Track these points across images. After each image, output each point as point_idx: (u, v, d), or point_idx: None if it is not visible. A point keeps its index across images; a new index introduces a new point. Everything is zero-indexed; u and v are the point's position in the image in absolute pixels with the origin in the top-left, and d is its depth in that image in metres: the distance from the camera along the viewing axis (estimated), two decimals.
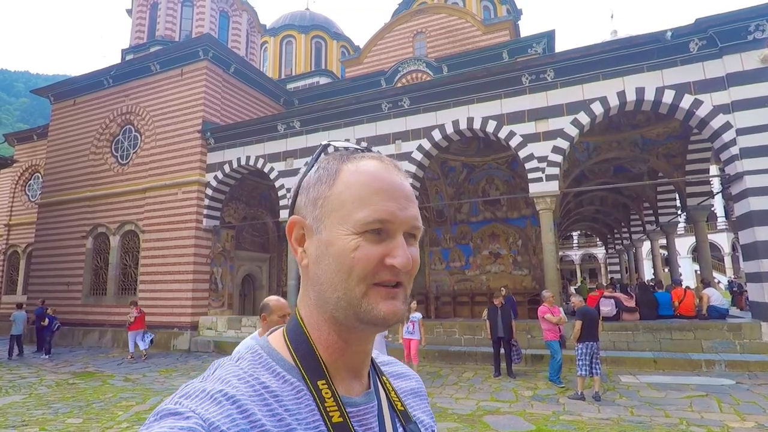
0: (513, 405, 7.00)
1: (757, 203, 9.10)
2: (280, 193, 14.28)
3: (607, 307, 10.47)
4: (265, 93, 18.72)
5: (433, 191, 16.59)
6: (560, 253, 43.44)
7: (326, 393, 0.59)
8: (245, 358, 0.61)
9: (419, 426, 0.69)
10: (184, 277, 14.54)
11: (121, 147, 17.12)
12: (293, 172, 14.11)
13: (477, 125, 11.81)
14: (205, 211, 15.11)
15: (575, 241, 46.14)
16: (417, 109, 12.61)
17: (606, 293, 11.04)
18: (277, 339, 0.65)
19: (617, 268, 29.05)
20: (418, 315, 9.69)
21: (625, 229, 23.68)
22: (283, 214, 14.20)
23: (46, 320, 13.56)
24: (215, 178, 15.23)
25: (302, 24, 26.48)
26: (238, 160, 15.01)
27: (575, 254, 46.08)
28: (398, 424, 0.66)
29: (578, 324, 7.32)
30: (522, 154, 11.29)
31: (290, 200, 0.68)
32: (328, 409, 0.58)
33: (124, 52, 19.19)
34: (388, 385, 0.71)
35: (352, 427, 0.59)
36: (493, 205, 16.22)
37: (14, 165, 20.06)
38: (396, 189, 0.62)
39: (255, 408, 0.54)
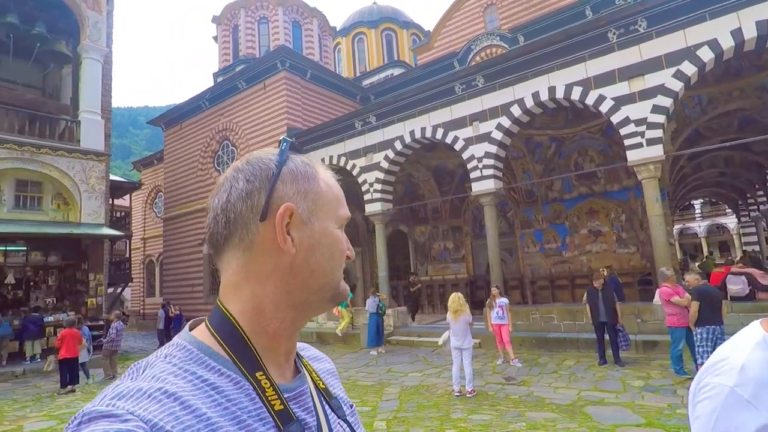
0: (620, 396, 6.37)
1: None
2: (364, 188, 14.60)
3: (737, 286, 9.05)
4: (342, 93, 19.25)
5: (519, 170, 15.73)
6: (680, 226, 38.60)
7: (265, 383, 0.60)
8: (175, 355, 0.59)
9: (339, 401, 0.74)
10: None
11: (221, 161, 18.86)
12: (374, 167, 14.33)
13: (560, 94, 10.89)
14: None
15: (698, 211, 40.42)
16: (492, 87, 12.00)
17: (734, 269, 9.53)
18: (204, 334, 0.63)
19: (754, 239, 25.02)
20: (505, 300, 9.30)
21: (761, 192, 20.26)
22: (369, 207, 14.51)
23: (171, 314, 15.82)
24: None
25: (371, 19, 26.68)
26: (322, 160, 15.64)
27: (699, 226, 40.40)
28: (323, 401, 0.70)
29: (694, 306, 6.42)
30: (615, 119, 10.16)
31: (246, 186, 0.63)
32: (269, 398, 0.59)
33: (215, 75, 21.06)
34: (308, 366, 0.74)
35: (292, 411, 0.61)
36: (589, 179, 14.88)
37: (142, 187, 23.19)
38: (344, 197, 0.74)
39: (198, 402, 0.53)
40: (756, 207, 22.21)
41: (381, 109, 14.27)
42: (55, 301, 14.02)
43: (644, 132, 9.75)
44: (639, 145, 9.82)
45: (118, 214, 20.55)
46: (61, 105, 15.26)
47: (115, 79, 15.85)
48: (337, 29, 25.53)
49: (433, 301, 17.18)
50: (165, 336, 15.99)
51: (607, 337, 8.35)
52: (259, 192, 0.63)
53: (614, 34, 10.16)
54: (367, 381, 8.51)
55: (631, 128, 9.92)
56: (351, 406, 0.77)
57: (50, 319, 12.85)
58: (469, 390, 6.88)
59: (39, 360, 11.90)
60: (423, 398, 6.98)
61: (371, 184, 14.40)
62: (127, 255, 20.07)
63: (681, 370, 7.08)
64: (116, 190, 17.77)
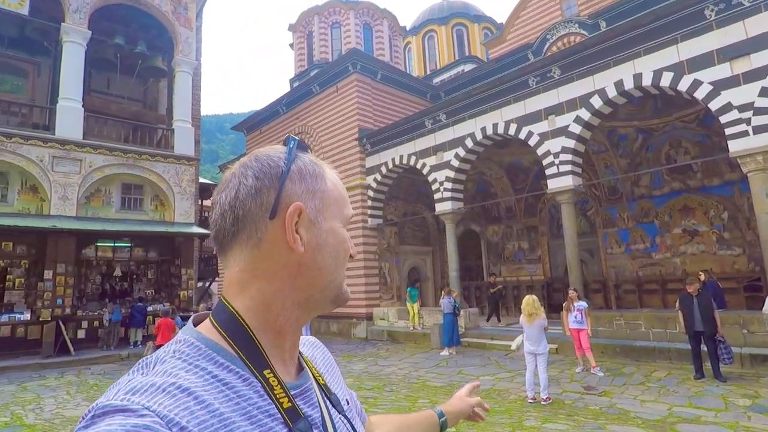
0: (720, 414, 5.72)
1: None
2: (434, 187, 14.50)
3: None
4: (412, 92, 19.26)
5: (601, 165, 14.69)
6: None
7: (273, 381, 0.60)
8: (184, 351, 0.59)
9: (337, 396, 0.75)
10: (356, 272, 15.96)
11: None
12: (444, 165, 14.17)
13: (647, 81, 9.99)
14: (369, 212, 16.32)
15: None
16: (570, 77, 11.33)
17: None
18: (210, 330, 0.63)
19: None
20: (583, 303, 8.76)
21: None
22: (439, 207, 14.39)
23: None
24: (374, 179, 16.31)
25: (441, 15, 26.37)
26: (393, 160, 15.78)
27: None
28: (324, 396, 0.71)
29: None
30: (714, 105, 9.12)
31: (255, 183, 0.63)
32: (277, 396, 0.60)
33: (291, 80, 22.09)
34: (308, 363, 0.74)
35: (299, 408, 0.61)
36: (683, 173, 13.49)
37: None
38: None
39: (211, 398, 0.53)
40: None
41: (451, 107, 14.07)
42: (153, 293, 15.55)
43: (750, 119, 8.65)
44: (744, 134, 8.73)
45: (206, 214, 22.34)
46: (158, 115, 16.89)
47: (202, 88, 17.20)
48: (407, 29, 25.58)
49: (506, 303, 16.63)
50: None
51: (704, 348, 7.53)
52: (269, 190, 0.63)
53: (712, 10, 9.11)
54: (437, 382, 8.45)
55: (733, 115, 8.85)
56: (348, 402, 0.77)
57: (149, 309, 14.26)
58: (544, 397, 6.57)
59: (140, 345, 13.22)
60: (494, 403, 6.77)
61: (441, 183, 14.26)
62: (215, 252, 21.64)
63: None
64: (204, 191, 19.34)
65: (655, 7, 10.06)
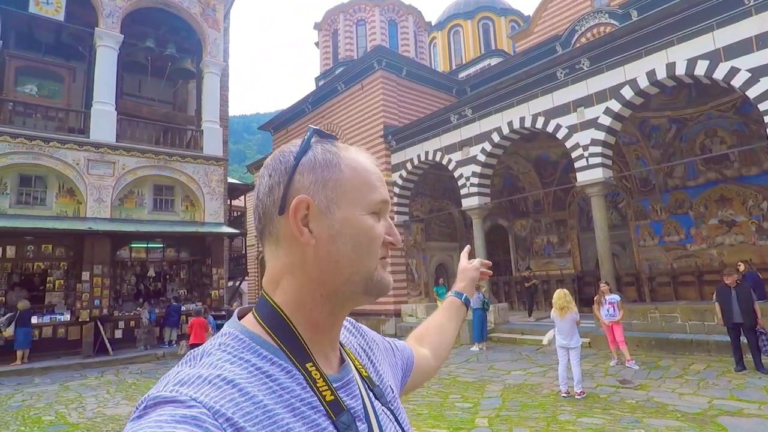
0: (763, 407, 5.64)
1: None
2: (460, 182, 14.51)
3: None
4: (437, 87, 19.25)
5: (632, 157, 14.41)
6: None
7: (315, 374, 0.61)
8: (229, 344, 0.61)
9: (381, 389, 0.74)
10: None
11: None
12: (470, 160, 14.16)
13: (681, 70, 9.77)
14: (395, 208, 16.44)
15: None
16: (599, 69, 11.16)
17: None
18: (252, 324, 0.65)
19: None
20: (616, 296, 8.68)
21: None
22: (466, 202, 14.40)
23: None
24: (400, 176, 16.42)
25: (467, 10, 26.18)
26: (418, 156, 15.85)
27: None
28: (367, 388, 0.71)
29: None
30: (752, 93, 8.85)
31: (268, 181, 0.66)
32: (320, 388, 0.61)
33: (317, 79, 22.36)
34: (351, 355, 0.75)
35: (342, 401, 0.62)
36: (719, 163, 13.11)
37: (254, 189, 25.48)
38: (383, 179, 0.71)
39: (255, 389, 0.54)
40: None
41: (477, 101, 14.03)
42: (186, 293, 15.85)
43: None
44: None
45: (235, 214, 22.82)
46: (187, 116, 17.30)
47: (230, 89, 17.59)
48: (432, 24, 25.52)
49: (537, 298, 16.53)
50: None
51: (744, 340, 7.39)
52: (279, 186, 0.64)
53: None
54: (468, 377, 8.52)
55: None
56: (392, 391, 0.77)
57: (182, 308, 14.47)
58: (578, 391, 6.56)
59: (175, 345, 13.45)
60: (527, 397, 6.81)
61: (467, 178, 14.25)
62: (243, 251, 22.17)
63: None
64: (233, 191, 19.76)
65: None
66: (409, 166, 16.16)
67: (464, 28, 26.05)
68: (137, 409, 0.50)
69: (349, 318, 0.82)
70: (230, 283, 18.95)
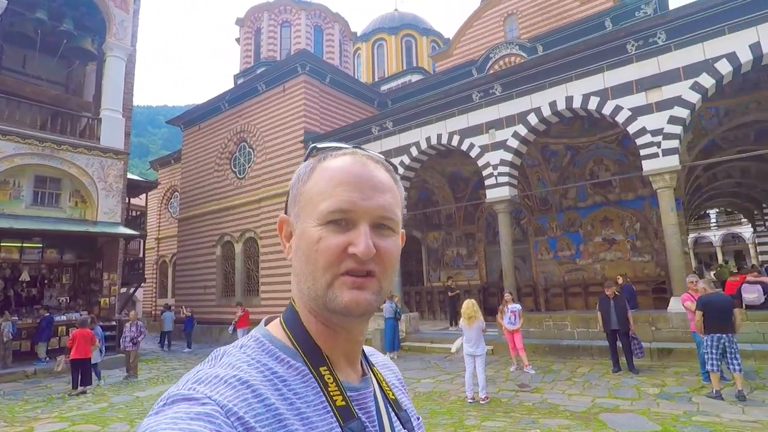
0: (635, 403, 6.43)
1: None
2: None
3: (752, 294, 9.04)
4: (360, 98, 19.49)
5: (534, 178, 15.78)
6: (694, 235, 38.19)
7: (329, 378, 0.62)
8: (249, 346, 0.62)
9: (408, 414, 0.73)
10: None
11: (238, 163, 19.17)
12: None
13: (577, 104, 10.98)
14: None
15: (713, 221, 39.98)
16: (510, 95, 12.12)
17: (750, 278, 9.53)
18: (276, 328, 0.67)
19: None
20: (517, 306, 9.38)
21: None
22: None
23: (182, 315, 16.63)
24: None
25: (391, 25, 26.98)
26: None
27: (714, 235, 39.93)
28: (391, 411, 0.70)
29: (698, 315, 6.51)
30: (632, 129, 10.23)
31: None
32: (331, 393, 0.61)
33: (236, 77, 21.44)
34: (379, 375, 0.74)
35: (354, 409, 0.62)
36: (604, 188, 14.90)
37: (158, 186, 23.58)
38: (363, 180, 0.63)
39: (268, 392, 0.56)
40: None
41: (398, 115, 14.45)
42: (68, 300, 14.01)
43: (660, 142, 9.80)
44: (655, 155, 9.87)
45: (134, 213, 20.91)
46: (83, 102, 15.43)
47: (136, 77, 16.13)
48: (358, 35, 25.85)
49: (445, 307, 17.25)
50: (169, 338, 16.64)
51: (620, 344, 8.40)
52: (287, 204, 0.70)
53: (633, 45, 10.24)
54: None
55: (647, 138, 9.98)
56: (418, 419, 0.77)
57: (63, 318, 12.70)
58: (483, 397, 6.93)
59: (48, 360, 11.69)
60: (436, 404, 7.07)
61: None
62: (141, 255, 20.39)
63: (706, 375, 7.03)
64: (133, 188, 18.08)
65: (587, 37, 11.10)
66: None
67: (388, 42, 26.80)
68: (156, 405, 0.52)
69: (386, 357, 0.85)
70: (123, 290, 17.21)
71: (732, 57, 9.14)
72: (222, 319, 18.17)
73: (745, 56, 9.00)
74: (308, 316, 0.66)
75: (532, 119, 11.68)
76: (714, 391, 6.32)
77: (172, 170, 26.97)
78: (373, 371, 0.74)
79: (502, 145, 12.13)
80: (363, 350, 0.75)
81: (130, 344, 10.56)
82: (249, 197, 18.05)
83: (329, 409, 0.59)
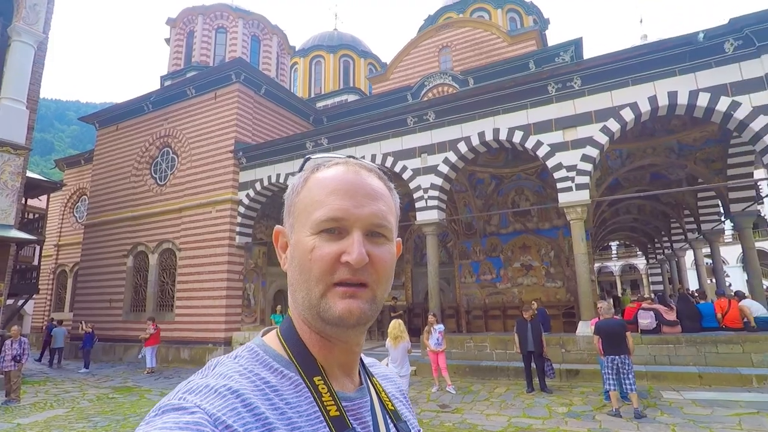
0: (546, 422, 6.77)
1: None
2: None
3: (646, 320, 10.01)
4: (295, 112, 19.26)
5: (461, 204, 16.47)
6: (599, 264, 41.93)
7: (323, 388, 0.62)
8: (243, 356, 0.63)
9: (408, 425, 0.72)
10: (217, 293, 14.94)
11: (159, 169, 17.95)
12: None
13: (503, 136, 11.72)
14: (237, 229, 15.56)
15: (614, 252, 44.41)
16: (442, 122, 12.65)
17: (645, 305, 10.57)
18: (272, 338, 0.67)
19: (659, 278, 27.77)
20: (442, 326, 9.59)
21: (666, 238, 22.69)
22: None
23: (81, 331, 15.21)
24: (247, 196, 15.70)
25: (330, 44, 27.20)
26: (269, 177, 15.43)
27: (614, 265, 44.30)
28: (390, 422, 0.69)
29: (595, 338, 7.10)
30: (550, 163, 11.10)
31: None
32: (325, 403, 0.60)
33: (163, 78, 20.24)
34: (378, 386, 0.74)
35: (349, 420, 0.61)
36: (524, 216, 15.93)
37: (63, 188, 21.33)
38: (354, 188, 0.64)
39: (258, 402, 0.55)
40: (662, 251, 24.79)
41: (334, 133, 14.46)
42: None
43: (574, 177, 10.72)
44: (569, 189, 10.76)
45: (31, 216, 18.71)
46: None
47: (46, 67, 14.63)
48: (296, 49, 25.70)
49: (370, 328, 17.19)
50: (59, 355, 15.47)
51: (534, 366, 8.86)
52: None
53: (553, 87, 11.20)
54: None
55: (563, 173, 10.87)
56: (419, 431, 0.76)
57: None
58: None
59: None
60: None
61: None
62: (36, 263, 18.20)
63: (607, 394, 7.54)
64: (32, 188, 16.23)
65: (513, 76, 11.95)
66: (258, 186, 15.58)
67: (326, 60, 26.95)
68: (147, 416, 0.52)
69: (389, 369, 0.85)
70: (10, 301, 15.13)
71: (634, 106, 10.31)
72: (128, 336, 16.61)
73: (644, 107, 10.21)
74: (303, 326, 0.66)
75: (462, 147, 12.25)
76: (614, 410, 6.84)
77: (81, 171, 24.60)
78: (372, 382, 0.73)
79: (433, 169, 12.55)
80: (362, 360, 0.75)
81: (11, 364, 9.30)
82: (170, 206, 16.91)
83: (322, 419, 0.59)
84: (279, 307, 14.73)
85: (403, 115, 13.22)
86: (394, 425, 0.69)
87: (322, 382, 0.62)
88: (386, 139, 13.46)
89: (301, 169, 0.71)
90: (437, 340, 9.30)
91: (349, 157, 0.70)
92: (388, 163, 13.27)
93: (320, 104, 24.30)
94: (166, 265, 16.93)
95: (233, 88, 16.36)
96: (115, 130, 19.50)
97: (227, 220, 15.43)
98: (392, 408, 0.72)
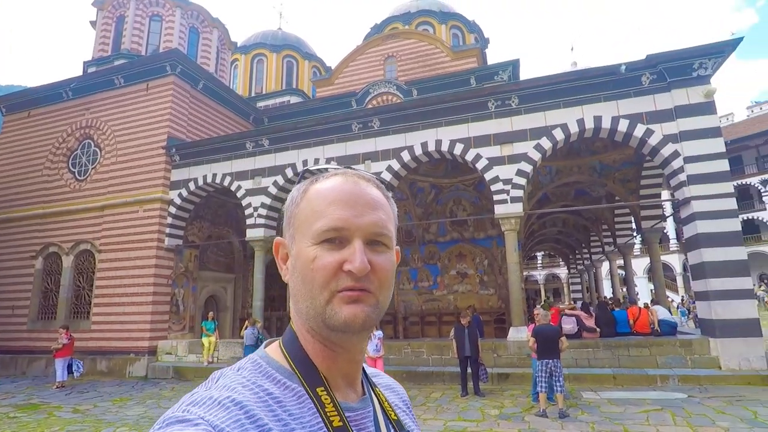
0: (480, 424, 7.02)
1: (703, 226, 9.69)
2: (247, 211, 14.06)
3: (568, 325, 10.77)
4: (234, 110, 18.57)
5: (402, 211, 16.73)
6: (526, 273, 44.43)
7: (326, 399, 0.62)
8: (246, 368, 0.63)
9: None
10: (143, 299, 13.92)
11: (79, 162, 16.46)
12: (261, 191, 13.95)
13: (445, 147, 12.10)
14: (167, 230, 14.65)
15: (539, 262, 47.38)
16: (387, 131, 12.81)
17: (567, 311, 11.36)
18: (274, 350, 0.68)
19: (579, 287, 29.97)
20: (381, 332, 9.67)
21: (586, 250, 24.56)
22: (251, 233, 13.97)
23: None
24: (179, 195, 14.85)
25: (274, 43, 26.57)
26: (204, 177, 14.72)
27: (539, 274, 47.26)
28: (392, 429, 0.70)
29: (531, 341, 7.53)
30: (488, 176, 11.63)
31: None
32: (328, 413, 0.61)
33: (86, 64, 18.64)
34: (381, 396, 0.74)
35: (352, 430, 0.62)
36: (461, 226, 16.51)
37: None
38: (354, 198, 0.65)
39: (261, 413, 0.56)
40: (582, 261, 26.80)
41: (277, 134, 14.12)
42: None
43: (509, 190, 11.32)
44: (505, 201, 11.34)
45: None
46: None
47: None
48: (238, 45, 24.80)
49: None
50: None
51: (469, 370, 9.17)
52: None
53: (493, 104, 11.78)
54: None
55: (499, 186, 11.44)
56: None
57: None
58: None
59: None
60: None
61: (256, 209, 13.95)
62: None
63: (535, 397, 7.97)
64: None
65: (455, 90, 12.42)
66: (191, 185, 14.80)
67: (269, 59, 26.28)
68: (152, 429, 0.52)
69: (391, 379, 0.87)
70: None
71: (564, 127, 11.12)
72: (34, 347, 14.94)
73: (574, 128, 11.04)
74: (306, 336, 0.67)
75: (406, 156, 12.48)
76: (541, 411, 7.26)
77: None
78: (375, 392, 0.74)
79: (376, 177, 12.62)
80: (364, 370, 0.76)
81: None
82: (90, 203, 15.53)
83: (326, 430, 0.59)
84: (211, 314, 14.00)
85: (348, 121, 13.23)
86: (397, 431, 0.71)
87: (325, 392, 0.63)
88: (330, 143, 13.38)
89: (299, 181, 0.72)
90: (376, 346, 9.34)
91: (347, 167, 0.72)
92: (314, 168, 13.15)
93: (261, 104, 23.65)
94: (83, 268, 15.51)
95: (168, 81, 15.45)
96: (26, 117, 17.61)
97: (156, 221, 14.47)
98: (395, 418, 0.72)
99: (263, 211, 13.86)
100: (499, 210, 11.42)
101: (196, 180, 14.78)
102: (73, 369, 12.24)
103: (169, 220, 14.74)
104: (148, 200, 14.69)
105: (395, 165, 12.57)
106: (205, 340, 13.00)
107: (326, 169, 0.72)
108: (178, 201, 14.82)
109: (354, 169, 0.72)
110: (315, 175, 0.71)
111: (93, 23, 19.73)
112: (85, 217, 15.52)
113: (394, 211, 0.73)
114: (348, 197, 0.65)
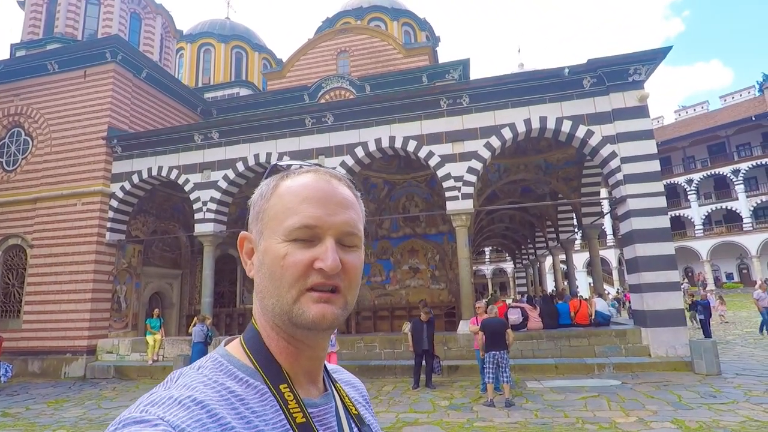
0: (431, 415, 7.24)
1: (637, 223, 10.45)
2: (196, 206, 13.58)
3: (514, 316, 11.28)
4: (181, 101, 17.81)
5: None
6: (474, 268, 45.85)
7: (288, 396, 0.62)
8: (206, 366, 0.62)
9: (370, 428, 0.75)
10: (81, 296, 13.13)
11: (7, 152, 15.20)
12: (210, 185, 13.51)
13: (398, 144, 12.25)
14: (108, 224, 13.88)
15: (487, 257, 49.05)
16: (340, 126, 12.78)
17: (512, 303, 11.91)
18: (235, 348, 0.67)
19: (524, 281, 31.32)
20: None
21: (531, 245, 25.71)
22: (199, 228, 13.51)
23: None
24: (121, 188, 14.09)
25: (222, 33, 25.60)
26: (149, 170, 14.04)
27: (487, 269, 48.92)
28: (354, 426, 0.71)
29: (480, 334, 7.85)
30: (440, 173, 11.90)
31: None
32: (291, 410, 0.61)
33: (14, 47, 17.16)
34: (342, 391, 0.76)
35: (315, 426, 0.62)
36: (413, 222, 16.78)
37: None
38: (326, 196, 0.65)
39: (224, 411, 0.55)
40: (527, 256, 28.02)
41: (226, 127, 13.70)
42: None
43: (461, 187, 11.66)
44: (456, 198, 11.67)
45: None
46: None
47: None
48: (183, 33, 23.67)
49: None
50: None
51: (424, 363, 9.40)
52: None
53: (445, 102, 12.05)
54: None
55: (451, 183, 11.74)
56: None
57: None
58: None
59: None
60: None
61: (205, 203, 13.49)
62: None
63: (484, 387, 8.28)
64: None
65: (408, 87, 12.58)
66: (135, 178, 14.08)
67: (217, 49, 25.32)
68: (110, 428, 0.50)
69: (351, 374, 0.88)
70: None
71: (512, 126, 11.58)
72: None
73: (521, 127, 11.52)
74: (270, 333, 0.66)
75: (359, 152, 12.52)
76: (489, 400, 7.58)
77: None
78: (336, 387, 0.75)
79: None
80: (325, 367, 0.76)
81: None
82: (20, 195, 14.40)
83: (289, 426, 0.60)
84: (156, 311, 13.41)
85: (301, 115, 13.06)
86: (359, 429, 0.72)
87: (288, 389, 0.63)
88: (283, 138, 13.16)
89: (267, 176, 0.71)
90: (331, 341, 9.35)
91: (318, 165, 0.72)
92: (284, 162, 12.95)
93: (209, 95, 22.78)
94: (13, 264, 14.39)
95: (108, 68, 14.56)
96: None
97: (96, 215, 13.65)
98: (356, 412, 0.74)
99: (213, 206, 13.44)
100: (450, 206, 11.72)
101: (140, 173, 14.07)
102: (0, 374, 11.37)
103: (111, 214, 13.96)
104: (87, 193, 13.84)
105: (349, 161, 12.57)
106: (149, 338, 12.48)
107: (300, 165, 0.70)
108: (120, 194, 14.06)
109: (323, 166, 0.72)
110: (285, 170, 0.70)
111: (21, 3, 18.18)
112: (14, 209, 14.39)
113: (362, 210, 0.72)
114: (321, 195, 0.65)
